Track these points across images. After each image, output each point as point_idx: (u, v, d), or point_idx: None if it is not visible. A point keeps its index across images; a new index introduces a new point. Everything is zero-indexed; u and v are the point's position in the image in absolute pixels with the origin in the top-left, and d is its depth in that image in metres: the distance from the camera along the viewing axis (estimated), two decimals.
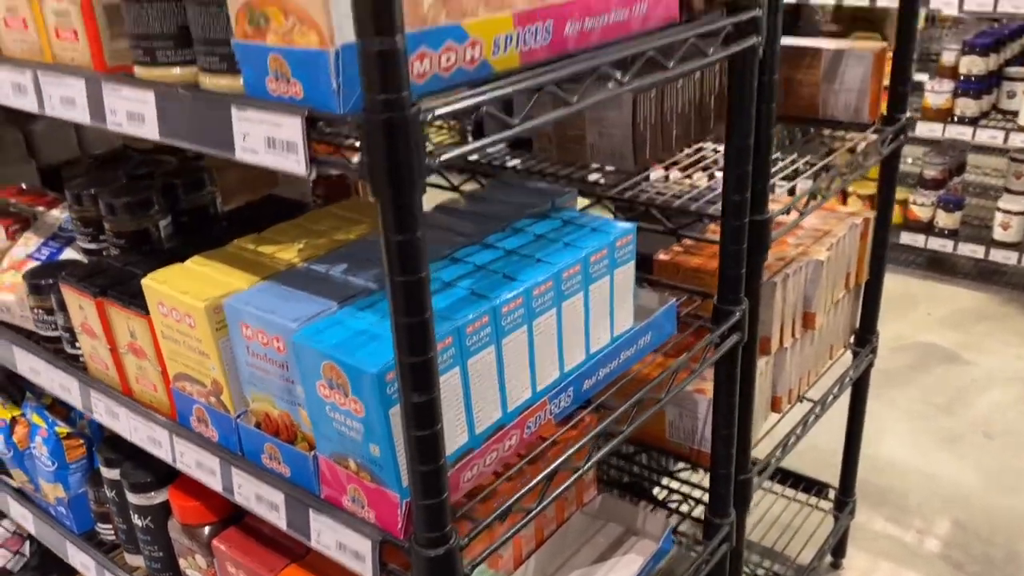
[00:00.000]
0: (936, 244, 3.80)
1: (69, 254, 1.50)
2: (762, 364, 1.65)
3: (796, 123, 1.88)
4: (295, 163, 0.79)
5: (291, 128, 0.78)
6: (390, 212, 0.77)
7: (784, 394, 1.76)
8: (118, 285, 1.20)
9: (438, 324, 0.94)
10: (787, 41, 1.86)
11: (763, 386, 1.69)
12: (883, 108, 1.82)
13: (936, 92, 3.62)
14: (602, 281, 1.14)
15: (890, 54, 1.79)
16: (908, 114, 1.83)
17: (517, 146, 1.82)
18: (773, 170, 1.66)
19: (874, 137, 1.78)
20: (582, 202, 1.61)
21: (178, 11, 0.91)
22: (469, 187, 1.71)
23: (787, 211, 1.49)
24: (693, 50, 1.09)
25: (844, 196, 3.98)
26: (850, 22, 4.13)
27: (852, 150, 1.75)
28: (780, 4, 1.23)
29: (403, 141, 0.74)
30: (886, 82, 1.83)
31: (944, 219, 3.76)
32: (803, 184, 1.64)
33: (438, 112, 0.77)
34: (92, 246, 1.42)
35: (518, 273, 1.04)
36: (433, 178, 1.84)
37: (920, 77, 3.84)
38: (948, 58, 3.62)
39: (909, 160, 4.13)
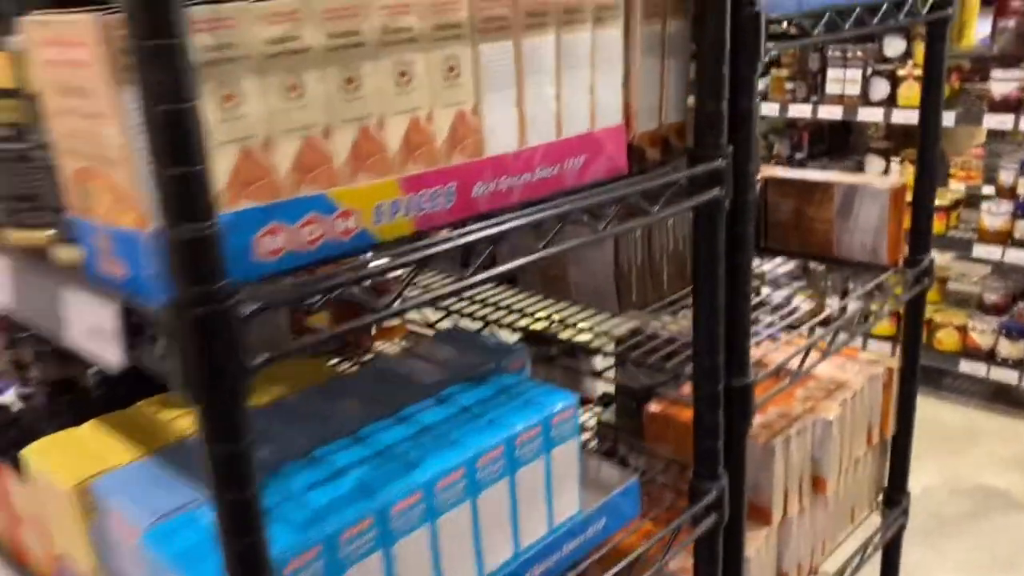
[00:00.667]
0: (999, 375, 3.51)
1: (11, 396, 1.43)
2: (762, 537, 1.46)
3: (811, 259, 1.73)
4: (112, 354, 0.69)
5: (107, 316, 0.68)
6: (208, 421, 0.65)
7: (792, 568, 1.55)
8: (23, 443, 1.11)
9: (307, 530, 0.81)
10: (796, 174, 1.73)
11: (764, 562, 1.49)
12: (905, 248, 1.66)
13: (994, 214, 3.41)
14: (533, 464, 0.99)
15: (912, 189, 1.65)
16: (932, 255, 1.66)
17: (502, 280, 1.71)
18: (776, 315, 1.51)
19: (893, 280, 1.62)
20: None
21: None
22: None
23: (779, 370, 1.33)
24: (633, 208, 0.96)
25: (897, 318, 3.75)
26: (902, 138, 3.97)
27: (869, 295, 1.58)
28: (751, 152, 1.10)
29: (219, 340, 0.63)
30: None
31: (1007, 348, 3.49)
32: (812, 330, 1.48)
33: (259, 306, 0.66)
34: (26, 390, 1.34)
35: (424, 459, 0.91)
36: (412, 313, 1.71)
37: (988, 190, 3.65)
38: (1006, 178, 3.42)
39: (974, 279, 3.89)
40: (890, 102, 3.65)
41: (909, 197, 1.63)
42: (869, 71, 3.70)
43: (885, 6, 1.25)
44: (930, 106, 1.59)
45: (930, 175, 1.61)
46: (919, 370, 1.72)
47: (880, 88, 3.67)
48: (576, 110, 0.94)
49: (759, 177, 1.72)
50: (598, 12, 0.93)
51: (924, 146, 1.59)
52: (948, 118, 3.64)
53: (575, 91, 0.94)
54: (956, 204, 3.76)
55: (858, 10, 1.20)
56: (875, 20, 1.24)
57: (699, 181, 1.03)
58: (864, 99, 3.72)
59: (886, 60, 3.70)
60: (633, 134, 1.03)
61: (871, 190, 1.62)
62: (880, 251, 1.64)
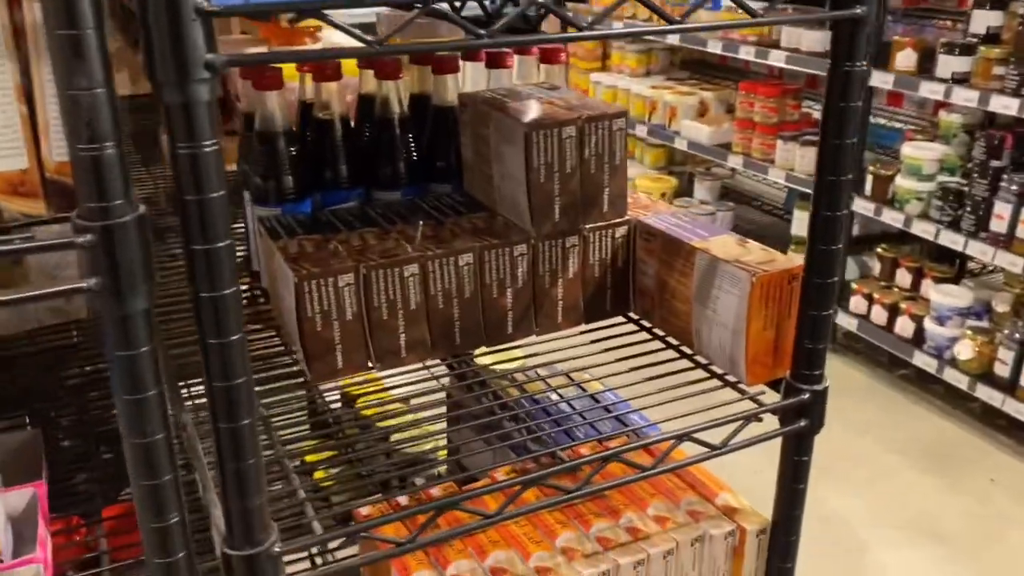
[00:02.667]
0: None
1: None
2: None
3: (672, 348, 1.21)
4: None
5: None
6: None
7: None
8: None
9: None
10: (663, 224, 1.19)
11: None
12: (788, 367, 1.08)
13: None
14: None
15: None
16: (824, 385, 1.07)
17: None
18: None
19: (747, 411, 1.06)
20: None
21: None
22: None
23: None
24: None
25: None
26: None
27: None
28: None
29: None
30: None
31: None
32: None
33: None
34: None
35: None
36: None
37: None
38: None
39: None
40: None
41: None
42: None
43: None
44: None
45: (825, 258, 1.01)
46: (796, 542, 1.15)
47: None
48: None
49: (628, 216, 1.21)
50: None
51: (819, 192, 1.00)
52: None
53: None
54: None
55: None
56: None
57: None
58: None
59: None
60: None
61: (730, 271, 1.06)
62: (738, 364, 1.09)
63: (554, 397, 1.34)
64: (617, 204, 1.20)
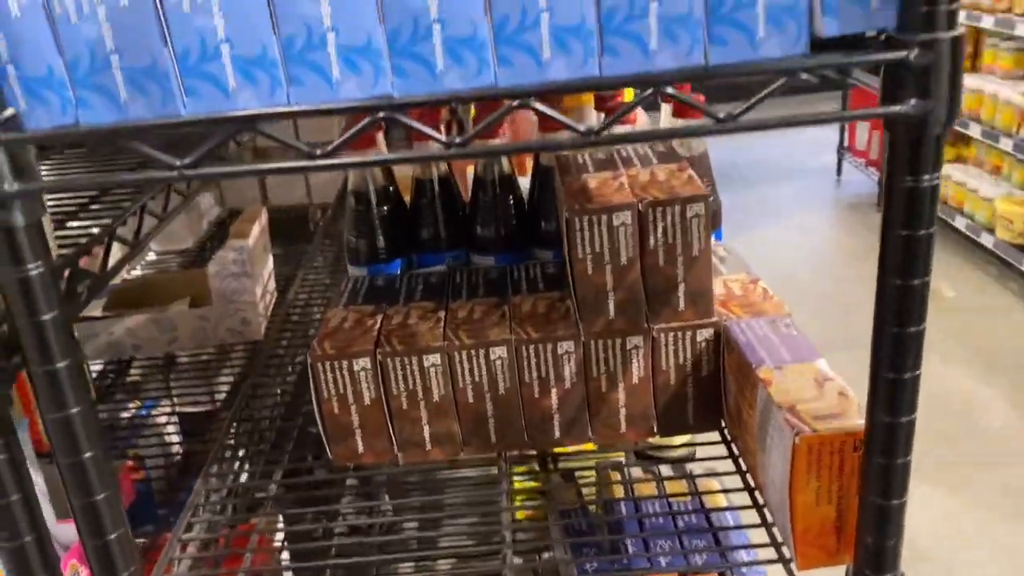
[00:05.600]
0: None
1: None
2: None
3: (746, 490, 0.96)
4: None
5: None
6: None
7: None
8: None
9: None
10: (743, 333, 0.95)
11: None
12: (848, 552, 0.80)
13: None
14: None
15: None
16: None
17: None
18: None
19: None
20: None
21: None
22: None
23: None
24: None
25: None
26: None
27: None
28: None
29: None
30: None
31: None
32: None
33: None
34: None
35: None
36: None
37: None
38: None
39: None
40: None
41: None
42: None
43: None
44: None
45: (889, 433, 0.73)
46: None
47: None
48: None
49: (714, 320, 0.99)
50: None
51: (879, 344, 0.72)
52: None
53: None
54: None
55: None
56: None
57: None
58: None
59: None
60: None
61: (779, 421, 0.81)
62: (788, 538, 0.83)
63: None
64: (699, 302, 0.98)
